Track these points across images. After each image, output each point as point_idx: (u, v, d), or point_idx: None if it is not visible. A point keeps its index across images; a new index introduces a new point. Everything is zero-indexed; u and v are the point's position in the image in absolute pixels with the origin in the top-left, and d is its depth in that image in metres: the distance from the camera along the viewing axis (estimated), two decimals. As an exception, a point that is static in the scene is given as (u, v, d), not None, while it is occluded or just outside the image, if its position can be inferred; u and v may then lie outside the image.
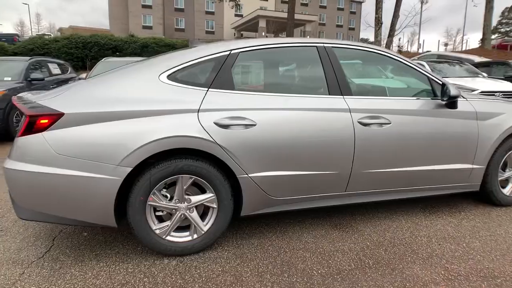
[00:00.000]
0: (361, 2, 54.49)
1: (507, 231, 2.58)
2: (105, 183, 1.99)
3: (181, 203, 2.20)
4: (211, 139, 2.11)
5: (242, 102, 2.24)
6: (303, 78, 2.54)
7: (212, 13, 45.19)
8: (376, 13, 13.19)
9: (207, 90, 2.22)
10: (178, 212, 2.20)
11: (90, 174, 1.97)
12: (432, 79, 2.73)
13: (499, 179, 2.96)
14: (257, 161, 2.23)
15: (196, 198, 2.22)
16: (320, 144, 2.34)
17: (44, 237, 2.48)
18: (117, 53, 17.91)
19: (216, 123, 2.14)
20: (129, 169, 2.00)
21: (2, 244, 2.37)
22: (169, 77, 2.20)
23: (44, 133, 1.95)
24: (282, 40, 2.52)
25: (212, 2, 20.15)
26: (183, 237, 2.25)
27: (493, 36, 29.25)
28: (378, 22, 13.24)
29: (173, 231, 2.23)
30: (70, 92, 2.09)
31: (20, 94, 2.26)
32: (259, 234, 2.54)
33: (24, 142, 1.97)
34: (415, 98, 2.66)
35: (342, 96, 2.46)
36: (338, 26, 53.69)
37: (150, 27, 41.80)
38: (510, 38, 32.34)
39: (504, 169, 3.02)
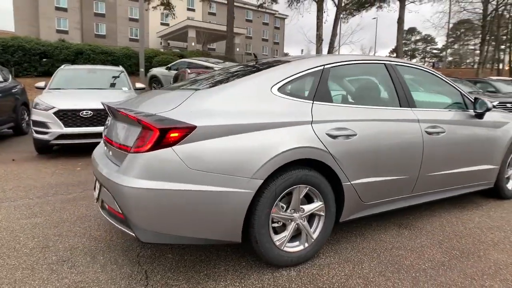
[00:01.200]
0: (284, 18, 57.96)
1: (526, 218, 3.20)
2: (238, 197, 1.95)
3: (296, 213, 2.25)
4: (325, 149, 2.23)
5: (342, 114, 2.40)
6: (381, 92, 2.81)
7: (136, 20, 43.21)
8: (318, 30, 14.37)
9: (312, 103, 2.33)
10: (293, 222, 2.24)
11: (224, 188, 1.91)
12: (464, 94, 3.26)
13: (505, 176, 3.62)
14: (357, 169, 2.40)
15: (308, 207, 2.29)
16: (401, 151, 2.62)
17: (126, 263, 2.26)
18: (44, 60, 16.01)
19: (327, 134, 2.26)
20: (260, 182, 2.00)
21: (80, 277, 2.09)
22: (279, 89, 2.26)
23: (175, 147, 1.84)
24: (361, 57, 2.76)
25: (146, 10, 19.43)
26: (295, 247, 2.29)
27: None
28: (319, 38, 14.44)
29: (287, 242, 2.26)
30: (188, 103, 2.00)
31: (120, 105, 2.08)
32: (343, 239, 2.69)
33: (151, 157, 1.81)
34: (456, 109, 3.13)
35: (410, 109, 2.79)
36: (263, 40, 56.15)
37: (65, 32, 38.21)
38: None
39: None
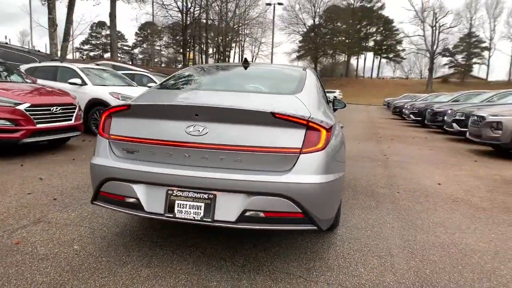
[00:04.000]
0: None
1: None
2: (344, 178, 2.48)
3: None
4: None
5: None
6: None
7: None
8: (50, 13, 12.17)
9: None
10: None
11: (343, 172, 2.35)
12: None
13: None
14: None
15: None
16: None
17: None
18: None
19: None
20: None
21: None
22: None
23: (330, 143, 2.05)
24: None
25: None
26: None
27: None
28: (53, 23, 12.34)
29: None
30: (309, 106, 2.21)
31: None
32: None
33: (325, 154, 1.96)
34: None
35: None
36: None
37: None
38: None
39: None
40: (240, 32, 45.39)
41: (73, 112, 5.73)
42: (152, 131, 2.06)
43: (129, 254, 2.26)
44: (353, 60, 74.50)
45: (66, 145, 6.17)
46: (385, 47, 71.30)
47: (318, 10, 61.27)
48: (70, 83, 7.43)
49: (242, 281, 2.00)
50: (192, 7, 29.82)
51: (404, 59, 69.80)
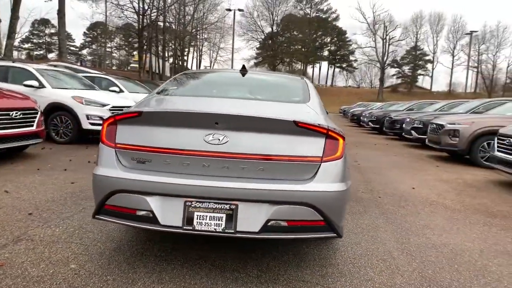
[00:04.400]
0: None
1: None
2: None
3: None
4: None
5: None
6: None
7: None
8: (-6, 8, 11.12)
9: None
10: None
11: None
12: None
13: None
14: None
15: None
16: None
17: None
18: None
19: None
20: None
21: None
22: None
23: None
24: None
25: None
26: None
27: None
28: (-3, 19, 11.28)
29: None
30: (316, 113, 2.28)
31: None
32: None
33: (342, 162, 2.03)
34: None
35: None
36: None
37: None
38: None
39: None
40: (198, 36, 45.04)
41: (35, 117, 5.31)
42: (167, 140, 1.98)
43: (135, 270, 2.13)
44: (309, 69, 77.06)
45: (24, 153, 5.68)
46: (338, 57, 74.72)
47: (276, 18, 62.68)
48: (26, 85, 6.88)
49: (262, 292, 1.98)
50: (149, 9, 28.98)
51: (356, 68, 73.55)
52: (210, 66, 55.07)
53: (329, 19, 69.60)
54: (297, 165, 1.95)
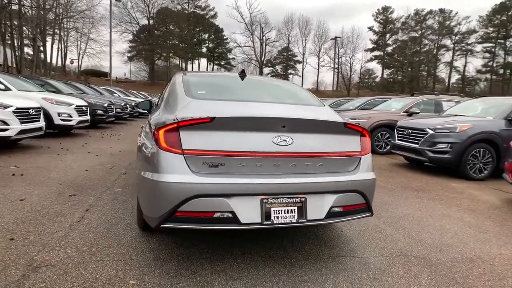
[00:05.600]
0: None
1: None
2: None
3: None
4: None
5: None
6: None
7: None
8: None
9: None
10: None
11: None
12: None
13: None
14: None
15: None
16: None
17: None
18: None
19: None
20: None
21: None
22: None
23: None
24: None
25: None
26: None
27: None
28: None
29: None
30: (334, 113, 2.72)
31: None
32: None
33: (370, 154, 2.55)
34: None
35: None
36: None
37: None
38: None
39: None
40: (64, 25, 39.48)
41: None
42: (240, 143, 2.12)
43: (200, 273, 2.20)
44: (188, 65, 76.66)
45: None
46: (217, 54, 76.74)
47: (152, 10, 60.17)
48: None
49: (332, 265, 2.34)
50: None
51: (234, 66, 76.92)
52: (78, 59, 49.13)
53: (207, 16, 70.70)
54: (345, 160, 2.38)
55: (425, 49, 63.96)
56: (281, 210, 2.14)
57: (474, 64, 60.82)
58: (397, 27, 65.12)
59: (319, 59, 66.80)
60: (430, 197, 4.48)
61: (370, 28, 66.69)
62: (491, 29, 57.88)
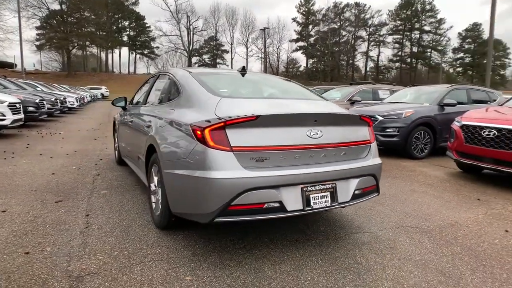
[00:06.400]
0: None
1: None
2: None
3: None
4: None
5: None
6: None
7: None
8: None
9: None
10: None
11: None
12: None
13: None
14: None
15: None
16: None
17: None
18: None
19: None
20: None
21: None
22: None
23: None
24: None
25: None
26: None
27: None
28: None
29: None
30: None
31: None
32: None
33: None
34: None
35: None
36: None
37: None
38: None
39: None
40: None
41: None
42: (281, 138, 2.29)
43: (244, 261, 2.34)
44: (108, 55, 71.49)
45: None
46: (139, 43, 72.84)
47: (64, -6, 54.49)
48: None
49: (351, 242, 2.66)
50: None
51: (159, 56, 73.96)
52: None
53: (127, 2, 66.47)
54: (361, 147, 2.71)
55: (343, 40, 68.84)
56: (318, 196, 2.38)
57: (386, 53, 67.24)
58: (319, 19, 68.87)
59: (247, 49, 67.60)
60: (394, 176, 5.12)
61: (294, 19, 69.52)
62: (399, 22, 64.57)
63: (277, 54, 67.36)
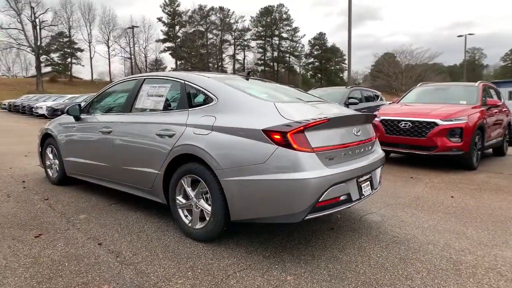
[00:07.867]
0: None
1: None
2: None
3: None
4: None
5: None
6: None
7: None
8: None
9: None
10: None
11: None
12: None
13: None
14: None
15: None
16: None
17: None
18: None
19: None
20: None
21: None
22: None
23: None
24: None
25: None
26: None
27: None
28: None
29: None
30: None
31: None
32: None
33: None
34: None
35: None
36: None
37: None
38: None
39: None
40: None
41: None
42: (341, 137, 2.60)
43: (301, 258, 2.55)
44: None
45: None
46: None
47: None
48: None
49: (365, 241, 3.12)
50: None
51: (-5, 53, 61.05)
52: None
53: None
54: (375, 142, 3.23)
55: (210, 42, 70.68)
56: (365, 186, 2.77)
57: (251, 57, 72.31)
58: (185, 20, 68.82)
59: (108, 48, 62.23)
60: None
61: (160, 19, 67.56)
62: (260, 28, 70.25)
63: (144, 54, 64.26)
